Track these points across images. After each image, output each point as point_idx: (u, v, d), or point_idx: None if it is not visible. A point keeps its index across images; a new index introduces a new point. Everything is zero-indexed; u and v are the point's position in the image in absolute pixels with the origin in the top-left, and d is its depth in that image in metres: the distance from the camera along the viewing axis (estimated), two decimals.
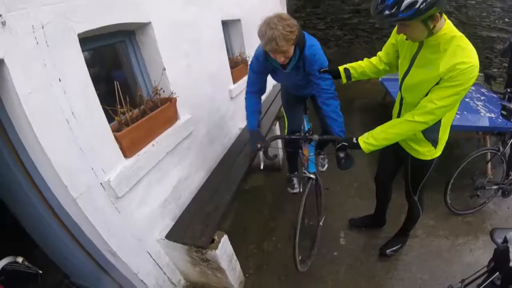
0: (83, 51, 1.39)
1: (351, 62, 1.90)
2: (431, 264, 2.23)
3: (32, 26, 1.13)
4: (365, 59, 1.87)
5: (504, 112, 2.40)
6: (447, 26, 1.35)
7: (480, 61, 1.39)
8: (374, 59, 1.84)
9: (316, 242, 2.35)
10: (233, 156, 2.69)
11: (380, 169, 2.23)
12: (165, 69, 1.94)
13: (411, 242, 2.40)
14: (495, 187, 2.64)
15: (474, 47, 1.34)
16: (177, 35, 2.13)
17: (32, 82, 1.14)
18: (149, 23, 1.84)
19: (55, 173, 1.27)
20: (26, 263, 1.37)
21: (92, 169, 1.45)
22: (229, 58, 3.08)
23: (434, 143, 1.68)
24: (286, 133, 2.45)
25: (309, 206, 2.00)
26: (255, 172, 3.43)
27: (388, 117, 1.81)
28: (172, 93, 1.98)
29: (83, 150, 1.39)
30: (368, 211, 2.61)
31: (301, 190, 2.68)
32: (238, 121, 3.19)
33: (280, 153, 3.40)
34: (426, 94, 1.44)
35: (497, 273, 1.39)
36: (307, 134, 1.90)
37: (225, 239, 1.90)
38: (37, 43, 1.15)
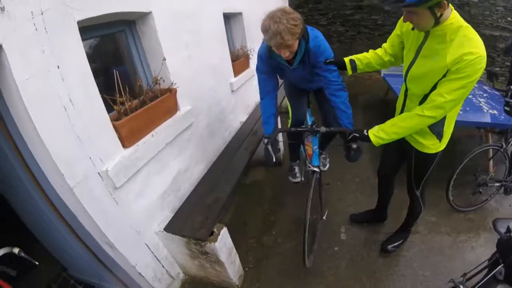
0: (83, 40, 1.37)
1: None
2: (432, 260, 2.21)
3: (31, 12, 1.12)
4: (371, 51, 1.85)
5: (508, 108, 2.38)
6: (453, 16, 1.32)
7: None
8: (379, 51, 1.82)
9: (317, 237, 2.33)
10: (233, 149, 2.67)
11: (383, 163, 2.21)
12: (165, 59, 1.91)
13: (412, 238, 2.38)
14: (497, 184, 2.61)
15: None
16: (178, 25, 2.10)
17: (30, 68, 1.12)
18: (150, 12, 1.82)
19: (52, 161, 1.24)
20: (23, 254, 1.35)
21: (90, 158, 1.42)
22: (231, 52, 3.05)
23: (439, 136, 1.66)
24: (289, 125, 2.41)
25: (312, 200, 1.97)
26: (255, 167, 3.41)
27: (391, 113, 1.80)
28: (172, 83, 1.95)
29: (80, 139, 1.36)
30: (369, 207, 2.59)
31: (302, 179, 2.65)
32: (239, 115, 3.17)
33: (281, 147, 3.37)
34: (433, 86, 1.42)
35: (499, 267, 1.37)
36: (313, 126, 1.87)
37: (224, 232, 1.87)
38: (36, 29, 1.14)
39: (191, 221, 1.90)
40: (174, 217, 1.95)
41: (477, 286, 1.44)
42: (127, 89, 1.62)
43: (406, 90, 1.67)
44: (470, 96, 3.32)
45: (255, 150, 2.67)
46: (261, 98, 2.04)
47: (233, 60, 3.03)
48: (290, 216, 2.73)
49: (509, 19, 5.91)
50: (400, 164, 2.11)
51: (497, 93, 3.54)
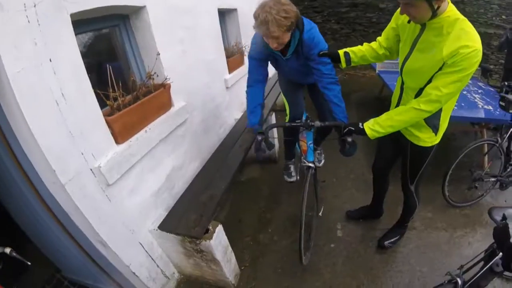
0: (76, 34, 1.34)
1: None
2: (429, 256, 2.20)
3: (24, 4, 1.09)
4: (365, 44, 1.83)
5: (503, 103, 2.38)
6: (450, 9, 1.31)
7: None
8: (374, 44, 1.80)
9: (313, 234, 2.31)
10: (228, 146, 2.63)
11: (378, 157, 2.20)
12: (159, 54, 1.88)
13: (409, 234, 2.37)
14: (493, 179, 2.61)
15: None
16: (173, 20, 2.06)
17: (22, 61, 1.10)
18: (144, 6, 1.78)
19: (43, 156, 1.21)
20: (14, 254, 1.32)
21: (82, 154, 1.38)
22: (225, 48, 3.02)
23: (435, 129, 1.65)
24: (287, 121, 2.39)
25: (308, 196, 1.95)
26: (250, 164, 3.39)
27: (385, 110, 1.77)
28: (166, 78, 1.91)
29: (72, 134, 1.32)
30: (365, 203, 2.58)
31: (298, 178, 2.63)
32: (234, 112, 3.14)
33: (276, 144, 3.35)
34: (429, 79, 1.42)
35: (496, 258, 1.35)
36: (308, 121, 1.84)
37: (219, 229, 1.84)
38: (29, 21, 1.12)
39: (185, 219, 1.86)
40: (168, 215, 1.91)
41: (474, 279, 1.43)
42: (120, 84, 1.58)
43: (402, 83, 1.66)
44: (465, 92, 3.33)
45: (250, 147, 2.64)
46: (249, 86, 1.99)
47: (227, 57, 3.00)
48: (286, 214, 2.70)
49: (503, 17, 5.97)
50: (395, 158, 2.11)
51: (492, 89, 3.56)
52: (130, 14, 1.81)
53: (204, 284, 2.14)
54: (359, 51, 1.80)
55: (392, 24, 1.67)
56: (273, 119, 3.39)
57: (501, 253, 1.34)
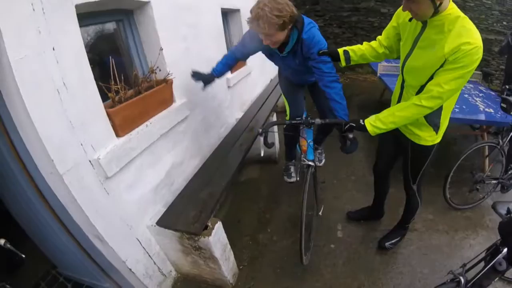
0: (80, 26, 1.34)
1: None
2: (430, 257, 2.18)
3: None
4: (365, 43, 1.83)
5: (504, 105, 2.40)
6: (451, 6, 1.32)
7: None
8: (374, 43, 1.80)
9: (312, 234, 2.28)
10: (228, 145, 2.61)
11: (379, 158, 2.19)
12: (162, 49, 1.88)
13: (410, 236, 2.35)
14: (494, 181, 2.60)
15: None
16: (176, 17, 2.07)
17: (25, 48, 1.10)
18: (148, 2, 1.79)
19: (42, 145, 1.19)
20: (9, 246, 1.30)
21: (81, 144, 1.36)
22: (228, 48, 3.01)
23: (436, 128, 1.65)
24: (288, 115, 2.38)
25: (308, 196, 1.93)
26: (250, 164, 3.37)
27: None
28: (168, 73, 1.90)
29: (72, 124, 1.31)
30: (365, 204, 2.56)
31: (297, 179, 2.62)
32: (235, 111, 3.13)
33: (277, 145, 3.34)
34: (430, 76, 1.42)
35: (498, 256, 1.34)
36: (308, 118, 1.83)
37: (219, 226, 1.81)
38: (33, 9, 1.12)
39: (184, 215, 1.83)
40: (167, 212, 1.89)
41: (476, 278, 1.41)
42: (122, 78, 1.58)
43: (403, 81, 1.66)
44: (466, 95, 3.34)
45: (250, 147, 2.63)
46: (227, 55, 2.08)
47: None
48: (286, 214, 2.68)
49: (504, 23, 6.00)
50: (395, 159, 2.10)
51: (493, 93, 3.56)
52: (135, 9, 1.81)
53: (201, 283, 2.10)
54: (358, 50, 1.80)
55: (393, 22, 1.67)
56: (274, 119, 3.38)
57: (505, 250, 1.33)
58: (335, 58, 1.78)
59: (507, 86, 2.58)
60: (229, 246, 1.99)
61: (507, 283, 1.96)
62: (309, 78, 2.20)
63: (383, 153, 2.13)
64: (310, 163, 2.02)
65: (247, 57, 2.07)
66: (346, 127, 1.62)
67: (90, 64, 1.40)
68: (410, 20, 1.48)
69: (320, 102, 2.32)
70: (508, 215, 1.30)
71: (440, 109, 1.55)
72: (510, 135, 2.48)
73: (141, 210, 1.79)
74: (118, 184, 1.59)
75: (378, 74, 4.05)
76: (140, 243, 1.79)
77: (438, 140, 1.72)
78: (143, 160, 1.75)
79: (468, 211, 2.62)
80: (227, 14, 3.29)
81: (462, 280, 1.43)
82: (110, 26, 1.78)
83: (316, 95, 2.33)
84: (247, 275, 2.14)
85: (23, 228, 1.88)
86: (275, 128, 2.63)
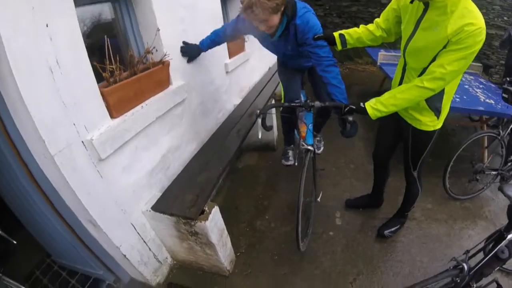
0: (76, 6, 1.28)
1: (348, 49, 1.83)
2: (430, 247, 2.16)
3: None
4: (361, 26, 1.77)
5: (506, 96, 2.36)
6: None
7: (477, 56, 1.40)
8: (371, 26, 1.75)
9: (311, 221, 2.25)
10: (226, 131, 2.55)
11: (378, 144, 2.15)
12: (159, 30, 1.80)
13: (409, 225, 2.33)
14: (493, 172, 2.58)
15: None
16: None
17: (17, 24, 1.04)
18: None
19: (33, 124, 1.13)
20: (0, 232, 1.27)
21: (74, 124, 1.30)
22: None
23: (437, 112, 1.62)
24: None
25: (306, 181, 1.89)
26: (248, 151, 3.33)
27: None
28: (165, 54, 1.82)
29: (65, 103, 1.24)
30: (364, 192, 2.54)
31: (295, 163, 2.58)
32: (233, 97, 3.06)
33: (275, 131, 3.28)
34: (433, 58, 1.39)
35: (502, 243, 1.33)
36: (307, 101, 1.78)
37: (216, 211, 1.77)
38: None
39: (180, 200, 1.78)
40: (162, 196, 1.83)
41: (479, 265, 1.39)
42: (118, 59, 1.51)
43: (404, 64, 1.63)
44: (467, 86, 3.31)
45: (249, 132, 2.57)
46: (223, 30, 2.08)
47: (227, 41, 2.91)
48: (284, 201, 2.64)
49: (505, 18, 5.95)
50: (395, 145, 2.07)
51: (493, 85, 3.53)
52: None
53: (197, 270, 2.07)
54: (355, 33, 1.75)
55: (393, 5, 1.63)
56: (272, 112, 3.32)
57: (509, 237, 1.31)
58: (331, 42, 1.74)
59: (508, 79, 2.55)
60: (226, 232, 1.95)
61: (505, 274, 1.96)
62: (304, 62, 2.17)
63: (383, 139, 2.10)
64: (309, 147, 1.98)
65: (238, 36, 2.05)
66: (346, 109, 1.58)
67: (85, 45, 1.33)
68: (411, 2, 1.45)
69: (318, 87, 2.28)
70: None
71: (441, 93, 1.53)
72: (511, 127, 2.45)
73: (136, 195, 1.73)
74: (112, 167, 1.53)
75: (378, 63, 3.99)
76: (135, 228, 1.74)
77: (440, 125, 1.69)
78: (138, 143, 1.69)
79: (467, 201, 2.61)
80: (226, 0, 3.20)
81: (465, 267, 1.41)
82: (106, 6, 1.70)
83: (314, 80, 2.29)
84: (244, 262, 2.11)
85: (17, 217, 1.83)
86: (273, 110, 2.59)
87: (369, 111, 1.52)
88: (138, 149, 1.70)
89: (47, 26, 1.14)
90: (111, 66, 1.48)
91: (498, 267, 1.42)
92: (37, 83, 1.13)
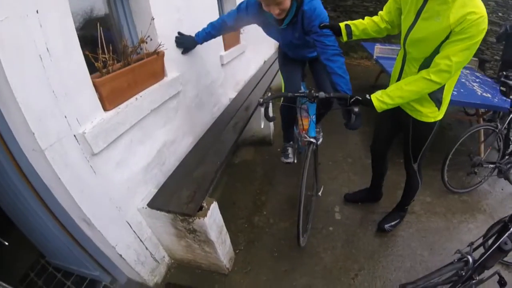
0: None
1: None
2: (430, 240, 2.15)
3: None
4: (367, 18, 1.76)
5: (504, 89, 2.36)
6: None
7: None
8: (375, 18, 1.74)
9: (311, 216, 2.21)
10: (222, 124, 2.49)
11: (376, 137, 2.12)
12: (153, 19, 1.72)
13: (408, 218, 2.32)
14: (491, 165, 2.59)
15: None
16: None
17: (6, 9, 0.96)
18: None
19: (22, 116, 1.05)
20: None
21: (65, 117, 1.22)
22: None
23: (438, 103, 1.61)
24: (282, 100, 2.28)
25: (308, 174, 1.85)
26: (244, 146, 3.27)
27: None
28: (160, 44, 1.74)
29: (55, 94, 1.16)
30: (362, 187, 2.52)
31: (295, 161, 2.53)
32: (228, 91, 2.99)
33: (271, 126, 3.23)
34: (435, 48, 1.39)
35: (505, 236, 1.32)
36: (312, 91, 1.73)
37: (214, 206, 1.70)
38: None
39: (177, 195, 1.71)
40: (158, 192, 1.76)
41: (483, 258, 1.37)
42: (111, 49, 1.43)
43: (405, 55, 1.61)
44: (463, 80, 3.31)
45: (246, 126, 2.51)
46: (222, 20, 2.02)
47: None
48: (282, 196, 2.60)
49: (500, 14, 6.01)
50: (394, 138, 2.05)
51: (489, 79, 3.54)
52: None
53: (196, 269, 2.01)
54: (360, 24, 1.73)
55: None
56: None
57: None
58: (337, 32, 1.72)
59: (504, 73, 2.56)
60: (225, 229, 1.89)
61: (505, 267, 1.96)
62: (307, 53, 2.14)
63: (382, 131, 2.07)
64: (311, 139, 1.93)
65: (240, 27, 2.00)
66: (352, 100, 1.54)
67: (77, 33, 1.25)
68: None
69: (321, 78, 2.23)
70: None
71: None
72: (508, 120, 2.45)
73: (131, 191, 1.65)
74: (105, 162, 1.45)
75: (375, 57, 3.96)
76: (131, 226, 1.67)
77: (440, 116, 1.68)
78: (132, 137, 1.61)
79: (465, 195, 2.61)
80: None
81: (470, 260, 1.40)
82: None
83: (316, 71, 2.24)
84: (243, 259, 2.06)
85: (8, 216, 1.73)
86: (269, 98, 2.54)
87: (375, 103, 1.49)
88: (133, 143, 1.63)
89: (37, 12, 1.06)
90: (103, 56, 1.39)
91: (500, 258, 1.42)
92: (26, 71, 1.04)
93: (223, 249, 1.87)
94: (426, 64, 1.46)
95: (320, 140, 2.77)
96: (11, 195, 1.52)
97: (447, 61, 1.32)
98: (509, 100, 2.42)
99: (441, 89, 1.55)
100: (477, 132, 2.80)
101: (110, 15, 1.68)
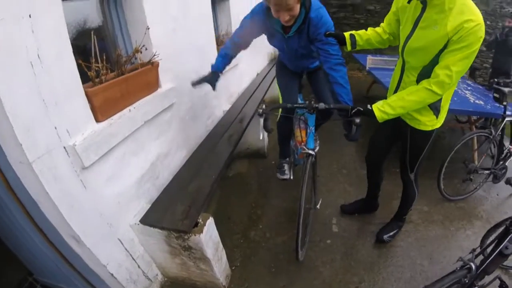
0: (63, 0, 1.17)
1: None
2: (429, 249, 2.12)
3: None
4: (370, 29, 1.79)
5: (497, 95, 2.40)
6: None
7: None
8: (378, 29, 1.77)
9: (308, 229, 2.17)
10: (217, 137, 2.45)
11: (372, 147, 2.11)
12: (148, 28, 1.70)
13: (406, 228, 2.29)
14: (486, 172, 2.60)
15: None
16: None
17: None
18: None
19: (9, 125, 1.00)
20: None
21: (55, 128, 1.17)
22: (215, 36, 2.85)
23: (437, 111, 1.61)
24: (279, 113, 2.26)
25: (307, 187, 1.82)
26: (238, 159, 3.23)
27: None
28: (154, 55, 1.72)
29: (46, 103, 1.11)
30: (358, 198, 2.49)
31: (291, 177, 2.50)
32: (222, 103, 2.97)
33: (266, 139, 3.20)
34: (433, 57, 1.40)
35: (505, 241, 1.33)
36: (312, 102, 1.72)
37: (210, 222, 1.64)
38: None
39: (171, 211, 1.65)
40: (152, 208, 1.70)
41: (486, 263, 1.36)
42: (104, 58, 1.40)
43: (403, 64, 1.62)
44: (456, 88, 3.34)
45: (240, 139, 2.47)
46: (228, 40, 1.99)
47: (217, 45, 2.83)
48: (278, 209, 2.55)
49: (488, 22, 6.20)
50: (390, 147, 2.04)
51: (480, 87, 3.61)
52: None
53: (190, 287, 1.93)
54: (364, 35, 1.76)
55: (392, 9, 1.65)
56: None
57: None
58: (341, 41, 1.73)
59: (495, 80, 2.62)
60: (221, 245, 1.83)
61: (505, 271, 1.95)
62: (309, 63, 2.14)
63: (378, 141, 2.06)
64: (310, 151, 1.90)
65: (250, 42, 1.97)
66: (354, 111, 1.54)
67: (71, 42, 1.22)
68: (409, 2, 1.46)
69: (320, 88, 2.22)
70: None
71: None
72: (502, 126, 2.48)
73: (123, 206, 1.59)
74: (96, 176, 1.39)
75: (367, 68, 4.01)
76: (122, 244, 1.59)
77: (438, 125, 1.68)
78: (125, 149, 1.56)
79: (461, 202, 2.61)
80: (216, 3, 3.14)
81: (473, 267, 1.38)
82: (93, 2, 1.58)
83: (316, 82, 2.24)
84: (240, 276, 1.98)
85: None
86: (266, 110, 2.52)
87: (377, 113, 1.49)
88: (125, 156, 1.57)
89: (30, 16, 1.03)
90: (97, 65, 1.36)
91: (502, 263, 1.41)
92: (15, 77, 1.00)
93: (219, 266, 1.80)
94: (424, 72, 1.47)
95: (317, 148, 2.76)
96: (2, 216, 1.45)
97: (447, 71, 1.33)
98: (502, 106, 2.46)
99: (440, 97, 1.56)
100: (471, 140, 2.82)
101: (104, 24, 1.66)
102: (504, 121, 2.48)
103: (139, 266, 1.73)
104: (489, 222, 2.33)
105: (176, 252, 1.71)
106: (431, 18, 1.36)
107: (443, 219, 2.41)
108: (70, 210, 1.26)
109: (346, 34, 1.72)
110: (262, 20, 1.75)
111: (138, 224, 1.62)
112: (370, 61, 4.03)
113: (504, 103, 2.38)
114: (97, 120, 1.37)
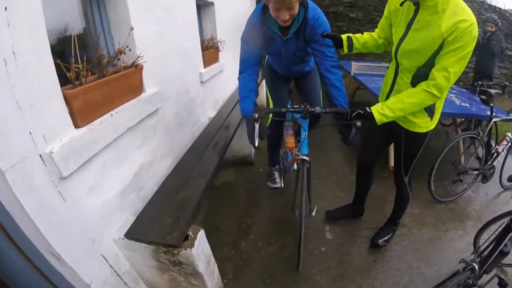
0: None
1: None
2: (424, 251, 2.11)
3: None
4: (366, 33, 1.80)
5: (484, 97, 2.46)
6: None
7: None
8: (374, 34, 1.78)
9: (303, 237, 2.08)
10: (203, 145, 2.34)
11: (366, 150, 2.09)
12: (133, 29, 1.61)
13: (400, 231, 2.27)
14: (475, 172, 2.63)
15: None
16: None
17: None
18: None
19: None
20: None
21: (30, 133, 1.04)
22: (200, 40, 2.80)
23: (431, 113, 1.62)
24: (270, 118, 2.20)
25: (303, 194, 1.77)
26: (225, 167, 3.13)
27: None
28: (138, 56, 1.62)
29: (20, 105, 1.00)
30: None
31: (282, 185, 2.43)
32: (208, 110, 2.89)
33: (252, 146, 3.14)
34: (428, 58, 1.40)
35: (506, 239, 1.33)
36: (307, 106, 1.67)
37: (202, 235, 1.53)
38: None
39: (158, 224, 1.52)
40: (137, 220, 1.56)
41: (488, 263, 1.36)
42: (85, 58, 1.29)
43: (397, 66, 1.61)
44: None
45: (227, 146, 2.39)
46: (241, 72, 1.84)
47: (202, 50, 2.77)
48: (268, 218, 2.47)
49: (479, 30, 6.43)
50: (384, 150, 2.05)
51: (464, 90, 3.70)
52: None
53: None
54: (361, 38, 1.76)
55: (385, 13, 1.66)
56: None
57: None
58: (338, 44, 1.71)
59: (479, 82, 2.69)
60: (213, 259, 1.72)
61: (500, 269, 1.94)
62: (301, 68, 2.10)
63: (371, 144, 2.05)
64: (304, 157, 1.84)
65: (260, 55, 1.85)
66: (354, 114, 1.51)
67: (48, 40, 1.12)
68: (401, 4, 1.47)
69: (309, 93, 2.18)
70: None
71: None
72: (489, 127, 2.53)
73: (106, 220, 1.46)
74: (76, 187, 1.27)
75: (352, 74, 4.03)
76: (107, 260, 1.46)
77: (432, 126, 1.68)
78: (107, 157, 1.44)
79: (452, 203, 2.64)
80: (201, 7, 3.09)
81: (476, 267, 1.36)
82: (74, 2, 1.48)
83: (304, 87, 2.21)
84: None
85: None
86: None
87: (376, 115, 1.47)
88: (107, 165, 1.46)
89: (5, 9, 0.93)
90: (76, 66, 1.24)
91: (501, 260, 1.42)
92: None
93: (212, 280, 1.69)
94: (418, 74, 1.47)
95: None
96: None
97: (445, 73, 1.33)
98: (489, 108, 2.51)
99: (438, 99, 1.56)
100: (457, 142, 2.86)
101: (86, 24, 1.55)
102: (491, 122, 2.52)
103: (125, 283, 1.59)
104: (480, 221, 2.35)
105: (165, 268, 1.58)
106: (425, 19, 1.36)
107: (435, 221, 2.41)
108: (48, 225, 1.14)
109: (344, 36, 1.70)
110: (259, 28, 1.71)
111: (123, 239, 1.49)
112: (355, 67, 4.06)
113: (491, 104, 2.43)
114: (76, 125, 1.26)
